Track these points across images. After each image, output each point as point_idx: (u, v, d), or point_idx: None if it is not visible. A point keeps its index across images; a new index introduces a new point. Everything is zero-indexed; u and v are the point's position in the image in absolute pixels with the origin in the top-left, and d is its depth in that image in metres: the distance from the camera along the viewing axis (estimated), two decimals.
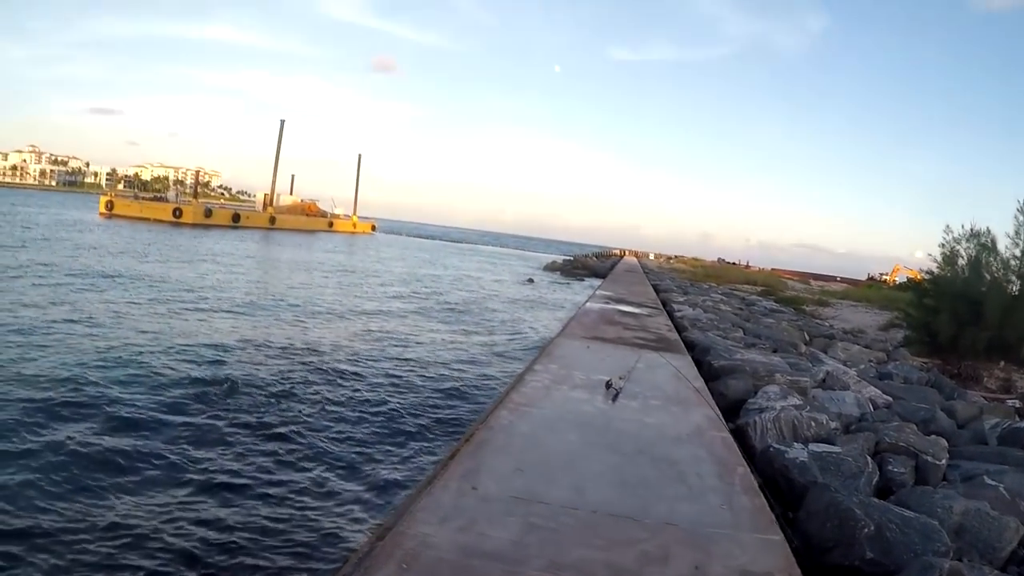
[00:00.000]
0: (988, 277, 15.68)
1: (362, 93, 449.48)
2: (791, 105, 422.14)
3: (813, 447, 5.81)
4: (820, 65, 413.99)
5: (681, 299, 22.43)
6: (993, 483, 5.49)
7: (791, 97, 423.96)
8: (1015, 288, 15.40)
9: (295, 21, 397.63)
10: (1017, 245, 15.57)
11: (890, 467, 5.84)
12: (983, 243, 16.07)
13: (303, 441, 7.94)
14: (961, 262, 16.27)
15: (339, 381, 10.98)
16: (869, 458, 5.78)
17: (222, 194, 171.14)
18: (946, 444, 7.17)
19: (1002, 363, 14.66)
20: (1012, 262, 15.62)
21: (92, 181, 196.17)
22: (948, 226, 16.43)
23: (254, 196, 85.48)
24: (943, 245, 16.44)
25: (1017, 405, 11.95)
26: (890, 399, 9.41)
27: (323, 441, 8.02)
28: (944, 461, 6.24)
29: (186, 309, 16.20)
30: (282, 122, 77.26)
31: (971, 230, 16.31)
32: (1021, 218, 15.58)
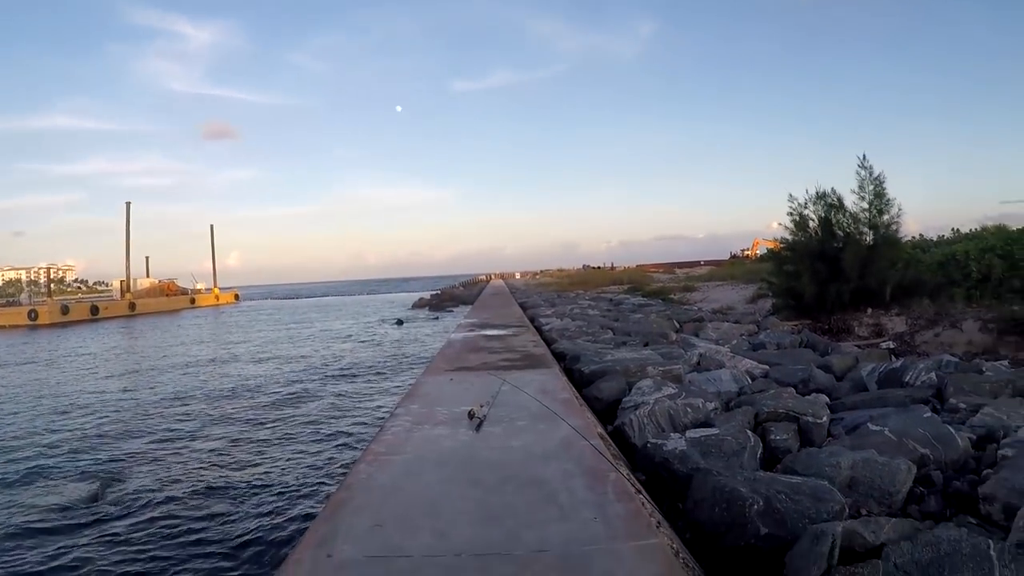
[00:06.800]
0: (841, 233, 16.45)
1: (207, 162, 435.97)
2: (634, 107, 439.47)
3: (691, 433, 5.51)
4: (657, 66, 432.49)
5: (549, 312, 22.32)
6: (877, 428, 5.38)
7: (633, 100, 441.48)
8: (868, 239, 16.15)
9: (132, 100, 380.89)
10: (864, 199, 16.45)
11: (772, 436, 5.60)
12: (830, 203, 16.91)
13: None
14: (812, 224, 17.02)
15: (200, 460, 10.84)
16: (750, 432, 5.52)
17: (79, 288, 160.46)
18: (826, 400, 7.10)
19: (869, 310, 15.24)
20: (862, 215, 16.44)
21: None
22: (791, 194, 17.24)
23: (111, 285, 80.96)
24: (792, 212, 17.19)
25: (891, 346, 12.34)
26: (767, 367, 9.39)
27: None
28: (826, 418, 6.08)
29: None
30: (127, 204, 73.51)
31: (817, 193, 17.15)
32: (863, 173, 16.49)
